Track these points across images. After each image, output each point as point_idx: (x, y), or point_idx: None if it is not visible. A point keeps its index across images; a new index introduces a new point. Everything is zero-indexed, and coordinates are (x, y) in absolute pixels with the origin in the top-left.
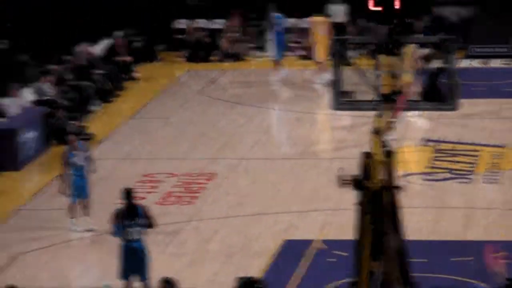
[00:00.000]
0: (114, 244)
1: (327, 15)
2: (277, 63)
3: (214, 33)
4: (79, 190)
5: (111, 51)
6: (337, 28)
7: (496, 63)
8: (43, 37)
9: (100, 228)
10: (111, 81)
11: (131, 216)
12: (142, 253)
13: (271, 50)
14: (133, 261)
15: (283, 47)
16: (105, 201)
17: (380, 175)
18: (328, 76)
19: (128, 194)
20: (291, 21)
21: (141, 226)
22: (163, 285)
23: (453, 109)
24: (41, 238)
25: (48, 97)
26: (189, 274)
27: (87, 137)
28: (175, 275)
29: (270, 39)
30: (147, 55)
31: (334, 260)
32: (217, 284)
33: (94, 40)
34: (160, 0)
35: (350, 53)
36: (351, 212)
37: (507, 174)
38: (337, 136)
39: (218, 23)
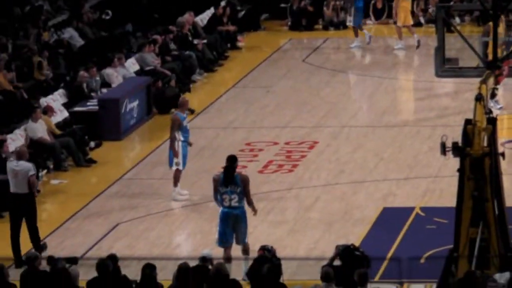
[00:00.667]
0: (213, 212)
1: None
2: (356, 30)
3: (318, 2)
4: (185, 158)
5: (215, 20)
6: None
7: None
8: (147, 7)
9: (199, 197)
10: (214, 50)
11: (226, 183)
12: (240, 220)
13: (352, 17)
14: (231, 228)
15: (361, 15)
16: (206, 169)
17: (482, 142)
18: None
19: (231, 161)
20: None
21: (237, 194)
22: (263, 253)
23: None
24: (140, 207)
25: (152, 67)
26: (289, 242)
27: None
28: (276, 243)
29: (352, 6)
30: (250, 24)
31: (434, 227)
32: (318, 251)
33: (198, 10)
34: None
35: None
36: (452, 179)
37: None
38: (440, 103)
39: None
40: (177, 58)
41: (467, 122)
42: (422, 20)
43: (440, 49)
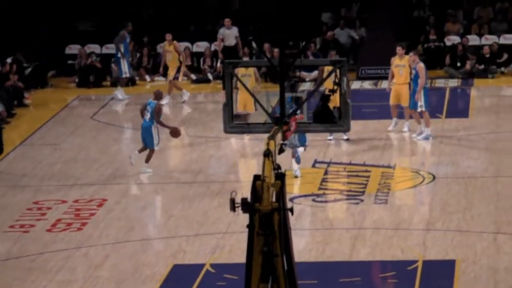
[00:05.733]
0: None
1: (219, 39)
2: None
3: (106, 58)
4: None
5: (1, 77)
6: (229, 51)
7: (386, 84)
8: None
9: None
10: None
11: None
12: None
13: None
14: None
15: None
16: None
17: (271, 197)
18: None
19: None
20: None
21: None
22: None
23: (344, 130)
24: None
25: None
26: None
27: None
28: None
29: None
30: (37, 81)
31: (224, 283)
32: None
33: None
34: (51, 25)
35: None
36: (242, 235)
37: (396, 194)
38: (228, 159)
39: (110, 48)
40: None
41: (256, 178)
42: (210, 76)
43: (228, 105)
